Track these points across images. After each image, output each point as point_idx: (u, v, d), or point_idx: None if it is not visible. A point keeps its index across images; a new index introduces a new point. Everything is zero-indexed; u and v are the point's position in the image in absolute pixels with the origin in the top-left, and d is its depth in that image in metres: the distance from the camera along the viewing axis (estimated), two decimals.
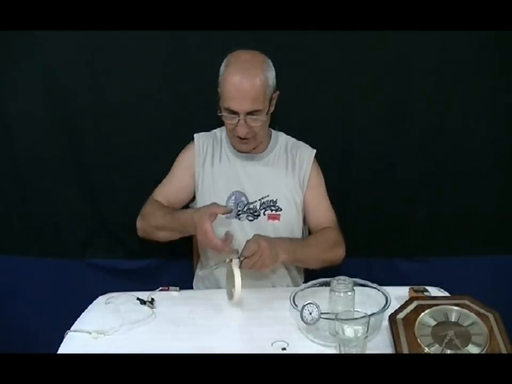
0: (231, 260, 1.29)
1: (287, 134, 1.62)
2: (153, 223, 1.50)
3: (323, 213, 1.57)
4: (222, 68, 1.43)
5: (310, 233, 1.62)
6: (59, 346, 1.22)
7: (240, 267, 1.28)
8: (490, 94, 1.70)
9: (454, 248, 1.82)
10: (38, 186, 1.81)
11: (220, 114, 1.43)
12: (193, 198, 1.60)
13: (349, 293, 1.22)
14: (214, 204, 1.38)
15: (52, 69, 1.70)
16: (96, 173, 1.80)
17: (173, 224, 1.45)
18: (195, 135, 1.60)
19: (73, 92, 1.72)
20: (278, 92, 1.48)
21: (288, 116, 1.72)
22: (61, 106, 1.73)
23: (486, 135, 1.74)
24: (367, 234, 1.83)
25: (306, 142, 1.61)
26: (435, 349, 1.09)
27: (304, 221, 1.61)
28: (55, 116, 1.74)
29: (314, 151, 1.59)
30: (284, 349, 1.17)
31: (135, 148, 1.78)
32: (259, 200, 1.53)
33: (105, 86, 1.72)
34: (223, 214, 1.36)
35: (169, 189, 1.58)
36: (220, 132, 1.62)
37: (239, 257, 1.30)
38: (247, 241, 1.33)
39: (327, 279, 1.29)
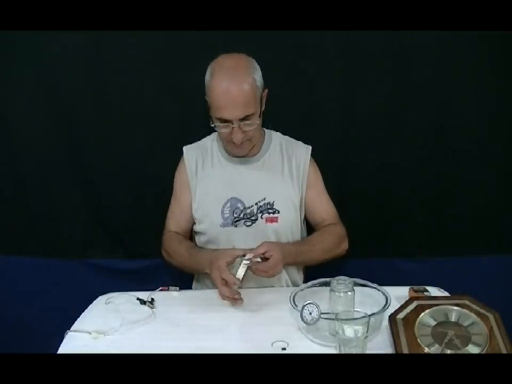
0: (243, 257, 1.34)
1: (286, 134, 1.62)
2: (176, 262, 1.55)
3: (325, 209, 1.59)
4: (207, 77, 1.42)
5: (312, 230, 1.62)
6: (59, 346, 1.22)
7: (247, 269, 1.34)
8: (490, 95, 1.69)
9: (454, 248, 1.82)
10: (38, 186, 1.80)
11: (212, 125, 1.43)
12: None
13: (349, 293, 1.22)
14: (235, 249, 1.42)
15: (52, 70, 1.69)
16: (96, 173, 1.80)
17: (190, 263, 1.49)
18: (184, 148, 1.60)
19: (74, 92, 1.72)
20: (266, 90, 1.47)
21: (287, 115, 1.72)
22: (61, 106, 1.73)
23: (486, 135, 1.74)
24: (367, 234, 1.83)
25: (306, 142, 1.61)
26: (435, 349, 1.09)
27: (303, 219, 1.60)
28: (55, 116, 1.74)
29: (310, 147, 1.59)
30: (284, 349, 1.18)
31: (136, 148, 1.78)
32: (256, 204, 1.53)
33: (105, 86, 1.72)
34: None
35: (177, 214, 1.61)
36: (209, 140, 1.61)
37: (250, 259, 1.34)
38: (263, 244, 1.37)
39: (327, 279, 1.30)
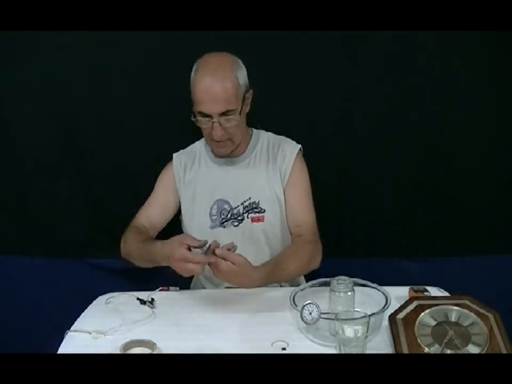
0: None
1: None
2: (133, 254, 1.51)
3: (302, 214, 1.54)
4: (192, 74, 1.44)
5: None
6: (59, 346, 1.22)
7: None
8: (490, 95, 1.69)
9: (454, 248, 1.82)
10: (38, 187, 1.80)
11: (193, 119, 1.44)
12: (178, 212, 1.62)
13: (349, 293, 1.22)
14: (188, 235, 1.37)
15: (52, 69, 1.69)
16: (96, 172, 1.80)
17: (148, 256, 1.43)
18: (174, 155, 1.63)
19: (73, 92, 1.72)
20: (251, 91, 1.48)
21: (287, 116, 1.72)
22: (61, 107, 1.73)
23: (486, 135, 1.73)
24: (367, 234, 1.83)
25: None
26: (435, 349, 1.09)
27: None
28: (55, 117, 1.74)
29: (299, 146, 1.58)
30: (284, 349, 1.17)
31: (136, 148, 1.78)
32: (241, 204, 1.53)
33: (105, 87, 1.72)
34: (196, 247, 1.28)
35: (151, 209, 1.60)
36: (198, 144, 1.63)
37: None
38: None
39: (327, 279, 1.30)
